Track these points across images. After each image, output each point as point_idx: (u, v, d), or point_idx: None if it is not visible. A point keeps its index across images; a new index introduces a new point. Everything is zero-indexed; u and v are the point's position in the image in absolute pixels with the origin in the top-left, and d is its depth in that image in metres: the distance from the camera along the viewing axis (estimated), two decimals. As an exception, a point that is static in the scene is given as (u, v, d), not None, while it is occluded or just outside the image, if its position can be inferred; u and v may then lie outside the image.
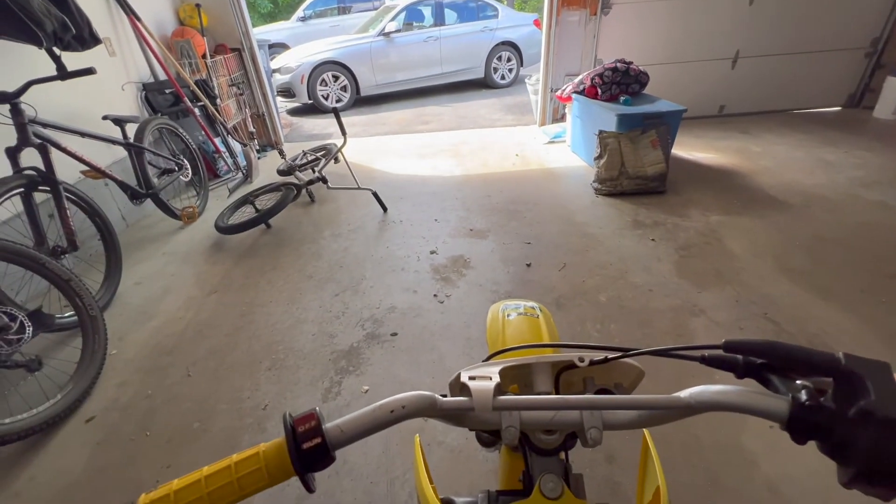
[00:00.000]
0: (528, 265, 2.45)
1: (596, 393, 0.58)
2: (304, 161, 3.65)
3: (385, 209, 3.20)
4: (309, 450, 0.37)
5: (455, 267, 2.49)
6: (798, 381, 0.37)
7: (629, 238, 2.65)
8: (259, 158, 4.44)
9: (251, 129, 4.64)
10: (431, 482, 0.74)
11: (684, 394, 0.41)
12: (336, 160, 3.55)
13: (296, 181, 3.28)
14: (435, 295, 2.27)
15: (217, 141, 3.87)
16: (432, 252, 2.66)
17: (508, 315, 1.03)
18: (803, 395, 0.36)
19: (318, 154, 3.73)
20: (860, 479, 0.32)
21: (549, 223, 2.89)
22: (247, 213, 3.06)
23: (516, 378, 0.60)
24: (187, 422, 1.67)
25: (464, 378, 0.48)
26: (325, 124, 5.80)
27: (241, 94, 4.48)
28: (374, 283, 2.42)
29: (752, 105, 4.80)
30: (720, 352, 0.41)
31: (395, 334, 2.03)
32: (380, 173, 3.98)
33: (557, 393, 0.59)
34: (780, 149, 3.85)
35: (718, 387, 0.40)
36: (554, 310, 2.09)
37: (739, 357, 0.42)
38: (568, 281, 2.30)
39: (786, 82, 4.67)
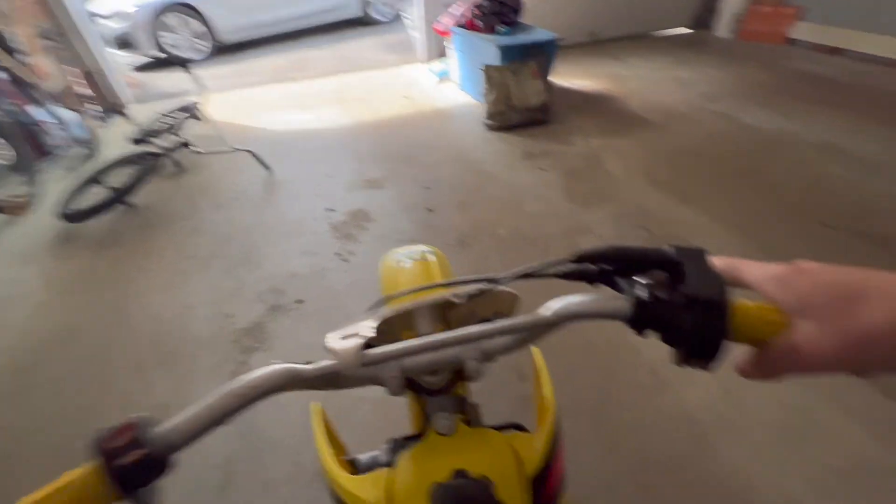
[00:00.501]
0: (430, 210, 2.43)
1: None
2: (162, 125, 3.12)
3: (269, 169, 2.91)
4: (130, 465, 0.31)
5: (355, 222, 2.39)
6: (640, 279, 0.39)
7: (521, 170, 2.74)
8: (102, 127, 3.72)
9: (86, 92, 3.83)
10: (341, 446, 0.72)
11: (544, 310, 0.42)
12: (200, 120, 3.10)
13: (155, 150, 2.82)
14: (337, 254, 2.17)
15: (35, 110, 3.13)
16: (328, 209, 2.51)
17: (400, 263, 1.00)
18: (642, 292, 0.38)
19: (177, 115, 3.21)
20: (688, 357, 0.35)
21: (445, 165, 2.87)
22: (98, 193, 2.58)
23: (404, 326, 0.58)
24: (66, 444, 1.45)
25: (330, 340, 0.45)
26: (183, 80, 4.98)
27: (59, 50, 3.62)
28: (269, 251, 2.23)
29: (616, 30, 5.08)
30: (574, 264, 0.43)
31: (300, 301, 1.92)
32: (257, 130, 3.59)
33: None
34: (644, 71, 4.17)
35: (572, 298, 0.42)
36: (458, 249, 2.13)
37: (593, 266, 0.44)
38: (469, 219, 2.33)
39: (642, 5, 5.00)
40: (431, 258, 0.99)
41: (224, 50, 5.96)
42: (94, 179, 2.68)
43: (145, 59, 5.73)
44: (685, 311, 0.35)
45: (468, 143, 3.13)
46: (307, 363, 0.44)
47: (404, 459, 0.52)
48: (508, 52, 3.15)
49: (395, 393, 0.48)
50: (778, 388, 1.40)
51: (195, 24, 5.62)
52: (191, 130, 3.02)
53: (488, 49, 3.24)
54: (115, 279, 2.14)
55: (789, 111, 3.17)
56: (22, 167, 2.87)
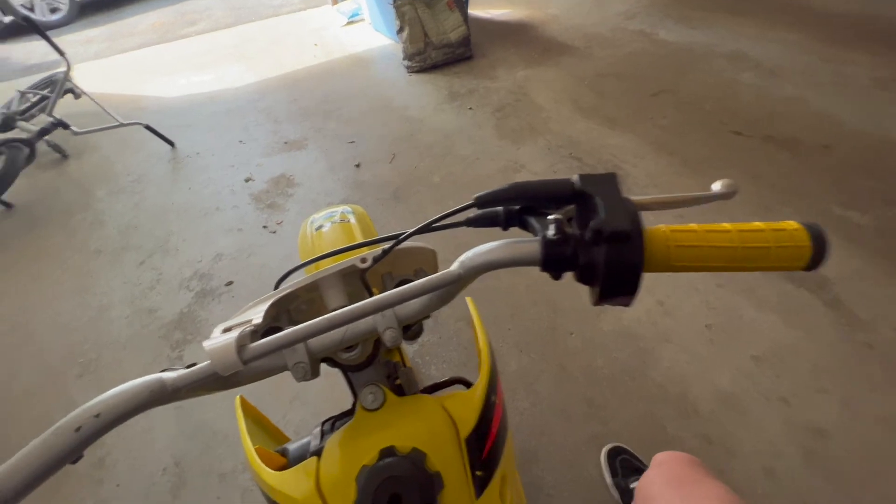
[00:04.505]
0: (357, 165, 2.29)
1: (397, 285, 0.54)
2: (27, 104, 2.65)
3: (171, 144, 2.59)
4: None
5: (278, 189, 2.21)
6: (550, 217, 0.35)
7: (449, 112, 2.62)
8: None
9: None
10: (277, 436, 0.66)
11: (455, 265, 0.37)
12: (75, 94, 2.65)
13: (23, 135, 2.40)
14: (264, 226, 2.01)
15: None
16: (247, 180, 2.30)
17: (321, 227, 0.91)
18: (551, 231, 0.34)
19: (45, 91, 2.73)
20: (605, 295, 0.32)
21: (368, 115, 2.69)
22: (-39, 196, 2.19)
23: (312, 301, 0.51)
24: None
25: (213, 335, 0.37)
26: (49, 49, 4.22)
27: None
28: (186, 235, 2.03)
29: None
30: (479, 210, 0.40)
31: (230, 283, 1.78)
32: (149, 100, 3.16)
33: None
34: (561, -6, 4.04)
35: (480, 248, 0.38)
36: (393, 203, 2.04)
37: (500, 209, 0.41)
38: (400, 171, 2.23)
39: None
40: (351, 218, 0.91)
41: (90, 8, 5.09)
42: (-46, 180, 2.26)
43: (-8, 27, 4.78)
44: (597, 245, 0.31)
45: (390, 89, 2.94)
46: (188, 367, 0.36)
47: (331, 445, 0.47)
48: (418, -17, 2.90)
49: (302, 379, 0.42)
50: (706, 292, 1.50)
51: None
52: (66, 108, 2.59)
53: (396, -19, 2.96)
54: (5, 292, 1.87)
55: (700, 23, 3.22)
56: None
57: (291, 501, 0.45)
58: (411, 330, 0.79)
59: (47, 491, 1.22)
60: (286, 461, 0.55)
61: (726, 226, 0.33)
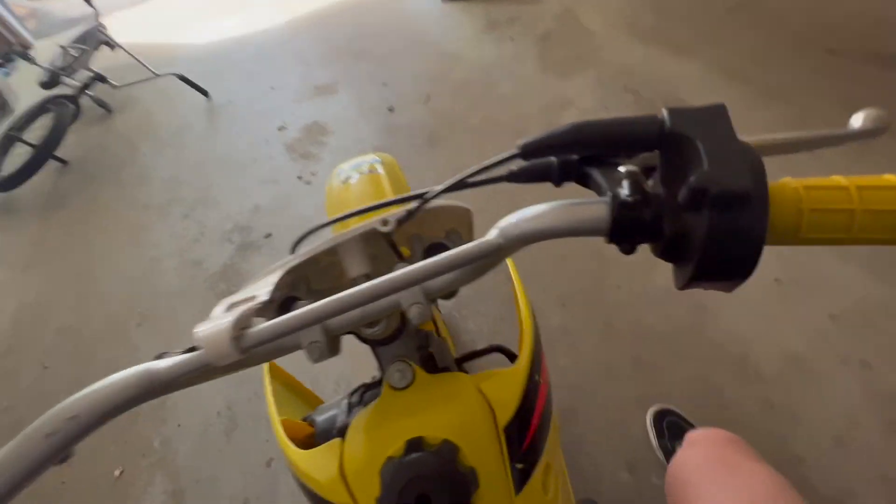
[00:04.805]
0: (391, 109, 2.17)
1: (427, 250, 0.48)
2: (70, 60, 2.68)
3: (205, 93, 2.56)
4: None
5: (312, 138, 2.15)
6: (622, 168, 0.25)
7: (487, 44, 2.39)
8: (6, 76, 3.24)
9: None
10: (311, 400, 0.65)
11: (493, 233, 0.30)
12: (110, 46, 2.65)
13: (69, 91, 2.45)
14: (299, 177, 1.98)
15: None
16: (280, 128, 2.25)
17: (348, 179, 0.85)
18: (625, 189, 0.25)
19: (83, 45, 2.75)
20: (701, 277, 0.24)
21: (401, 54, 2.51)
22: (20, 154, 2.30)
23: (333, 264, 0.46)
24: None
25: (212, 316, 0.32)
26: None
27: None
28: (226, 186, 2.04)
29: None
30: (524, 160, 0.30)
31: (268, 235, 1.79)
32: (181, 48, 3.12)
33: (400, 260, 0.48)
34: None
35: (527, 211, 0.29)
36: (428, 150, 1.93)
37: (553, 159, 0.31)
38: (436, 113, 2.09)
39: None
40: (379, 170, 0.83)
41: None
42: (12, 138, 2.37)
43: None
44: (695, 210, 0.22)
45: (423, 21, 2.71)
46: (185, 351, 0.32)
47: (356, 426, 0.43)
48: None
49: (318, 360, 0.37)
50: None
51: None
52: (104, 61, 2.60)
53: None
54: (71, 245, 2.00)
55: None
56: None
57: (315, 484, 0.42)
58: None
59: (122, 425, 1.34)
60: (313, 431, 0.53)
61: (888, 177, 0.22)
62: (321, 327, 0.36)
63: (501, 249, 0.29)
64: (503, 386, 0.43)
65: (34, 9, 4.33)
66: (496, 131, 1.94)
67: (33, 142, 2.28)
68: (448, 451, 0.38)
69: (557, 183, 0.32)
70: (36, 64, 2.63)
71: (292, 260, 0.42)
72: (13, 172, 2.20)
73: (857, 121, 0.27)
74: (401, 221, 0.40)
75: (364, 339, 0.45)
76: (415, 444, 0.38)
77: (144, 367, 0.31)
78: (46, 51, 2.91)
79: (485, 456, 0.39)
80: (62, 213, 2.16)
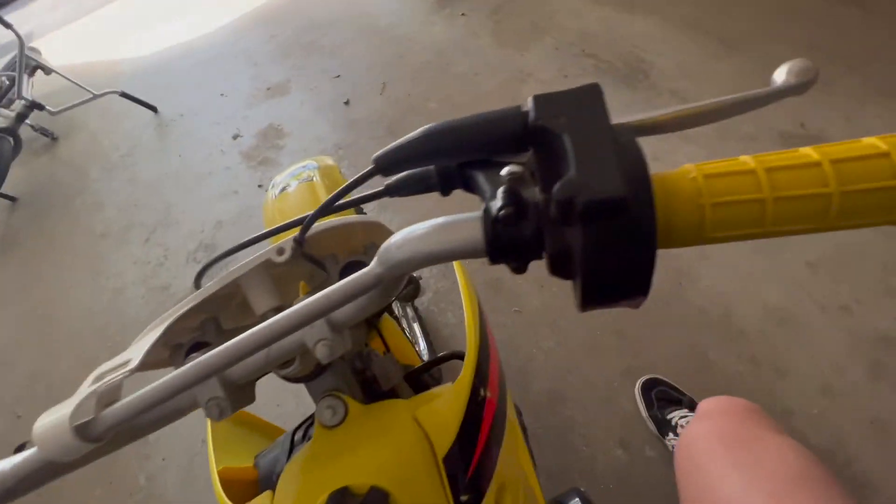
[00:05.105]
0: (346, 102, 2.09)
1: (345, 267, 0.43)
2: (1, 89, 2.53)
3: (153, 109, 2.44)
4: None
5: (268, 142, 2.06)
6: (504, 171, 0.21)
7: (440, 23, 2.30)
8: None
9: None
10: (260, 429, 0.60)
11: (374, 261, 0.25)
12: (45, 70, 2.49)
13: (3, 123, 2.31)
14: (260, 185, 1.90)
15: None
16: (235, 137, 2.15)
17: (286, 188, 0.79)
18: (498, 200, 0.21)
19: (13, 72, 2.59)
20: (590, 300, 0.19)
21: (352, 43, 2.41)
22: (-37, 196, 2.18)
23: (241, 304, 0.41)
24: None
25: (51, 415, 0.27)
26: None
27: None
28: (184, 205, 1.95)
29: None
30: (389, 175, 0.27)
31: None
32: (122, 63, 2.95)
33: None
34: None
35: (408, 232, 0.24)
36: (390, 140, 1.85)
37: (431, 168, 0.27)
38: (394, 101, 2.01)
39: None
40: (314, 176, 0.78)
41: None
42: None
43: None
44: (567, 224, 0.18)
45: (372, 6, 2.60)
46: (16, 449, 0.27)
47: (286, 476, 0.39)
48: None
49: (219, 417, 0.33)
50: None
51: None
52: (42, 87, 2.45)
53: None
54: (28, 285, 1.90)
55: None
56: None
57: None
58: (404, 292, 0.68)
59: (104, 467, 1.28)
60: (258, 475, 0.49)
61: (805, 152, 0.18)
62: (218, 380, 0.32)
63: (382, 279, 0.25)
64: (442, 409, 0.39)
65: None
66: (456, 113, 1.83)
67: (-28, 182, 2.15)
68: (375, 500, 0.33)
69: (443, 192, 0.28)
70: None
71: (185, 305, 0.37)
72: (-43, 216, 2.08)
73: (780, 75, 0.23)
74: (295, 249, 0.37)
75: (286, 378, 0.40)
76: (338, 498, 0.34)
77: None
78: (-23, 82, 2.74)
79: (421, 495, 0.35)
80: (16, 252, 2.06)
